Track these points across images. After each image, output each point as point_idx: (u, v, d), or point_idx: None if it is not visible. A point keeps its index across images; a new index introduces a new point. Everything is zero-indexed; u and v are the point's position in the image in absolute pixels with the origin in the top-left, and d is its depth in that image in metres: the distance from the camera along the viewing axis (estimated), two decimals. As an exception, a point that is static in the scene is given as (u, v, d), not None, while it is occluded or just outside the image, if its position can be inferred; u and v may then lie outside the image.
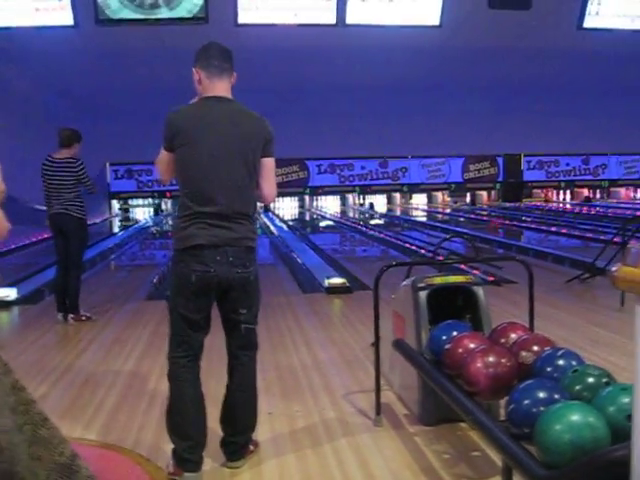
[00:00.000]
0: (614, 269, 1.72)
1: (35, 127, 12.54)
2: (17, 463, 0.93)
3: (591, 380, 2.57)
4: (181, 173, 3.24)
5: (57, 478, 1.04)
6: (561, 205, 24.23)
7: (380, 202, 24.84)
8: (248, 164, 3.22)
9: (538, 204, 23.83)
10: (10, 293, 7.88)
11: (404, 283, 4.20)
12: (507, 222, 17.52)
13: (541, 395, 2.50)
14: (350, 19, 10.43)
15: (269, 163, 3.33)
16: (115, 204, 23.09)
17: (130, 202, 23.73)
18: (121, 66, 14.60)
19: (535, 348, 3.00)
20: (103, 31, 10.55)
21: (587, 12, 13.02)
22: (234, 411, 3.40)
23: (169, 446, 3.29)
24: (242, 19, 9.99)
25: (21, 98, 14.38)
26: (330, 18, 10.29)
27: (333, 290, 7.98)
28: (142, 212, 23.52)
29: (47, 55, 12.49)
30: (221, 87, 3.26)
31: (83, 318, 6.83)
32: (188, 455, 3.19)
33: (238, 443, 3.40)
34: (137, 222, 21.31)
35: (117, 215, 22.95)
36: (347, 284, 8.15)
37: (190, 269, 3.15)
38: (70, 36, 10.76)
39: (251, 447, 3.47)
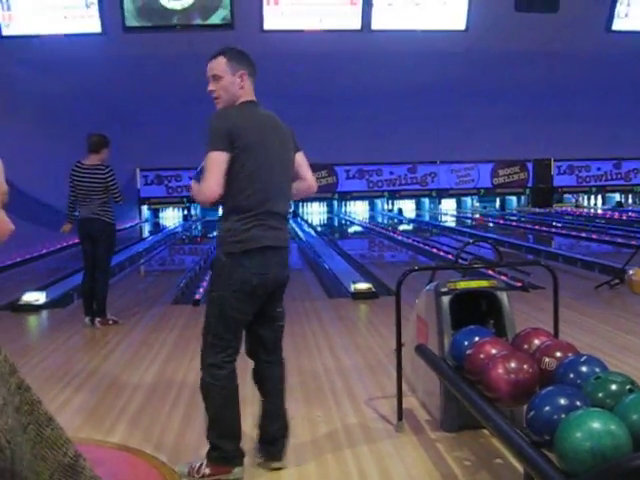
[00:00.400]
0: (631, 272, 1.68)
1: (65, 134, 12.71)
2: (19, 462, 0.94)
3: (614, 387, 2.53)
4: (240, 175, 3.14)
5: (61, 478, 1.04)
6: (592, 210, 23.93)
7: (409, 207, 24.74)
8: (290, 165, 3.36)
9: (568, 209, 23.56)
10: (39, 297, 7.99)
11: (427, 288, 4.17)
12: (537, 227, 17.35)
13: (562, 402, 2.47)
14: (375, 24, 10.41)
15: (302, 155, 3.47)
16: (145, 209, 23.27)
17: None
18: (149, 72, 14.74)
19: (558, 354, 2.96)
20: (131, 38, 10.65)
21: (616, 14, 12.85)
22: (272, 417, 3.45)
23: (192, 450, 3.30)
24: (268, 25, 10.02)
25: (51, 105, 14.60)
26: (355, 23, 10.28)
27: (359, 295, 7.96)
28: (171, 218, 23.67)
29: (76, 62, 12.65)
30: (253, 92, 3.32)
31: (110, 322, 6.87)
32: (237, 452, 3.27)
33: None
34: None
35: (147, 220, 23.12)
36: (373, 289, 8.12)
37: (251, 272, 3.15)
38: (99, 43, 10.89)
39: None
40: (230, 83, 3.21)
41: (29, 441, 1.01)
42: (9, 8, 10.04)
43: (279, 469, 3.41)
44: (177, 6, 9.99)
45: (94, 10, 10.05)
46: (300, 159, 3.43)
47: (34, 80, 13.63)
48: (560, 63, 15.29)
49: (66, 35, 10.36)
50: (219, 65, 3.22)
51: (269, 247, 3.19)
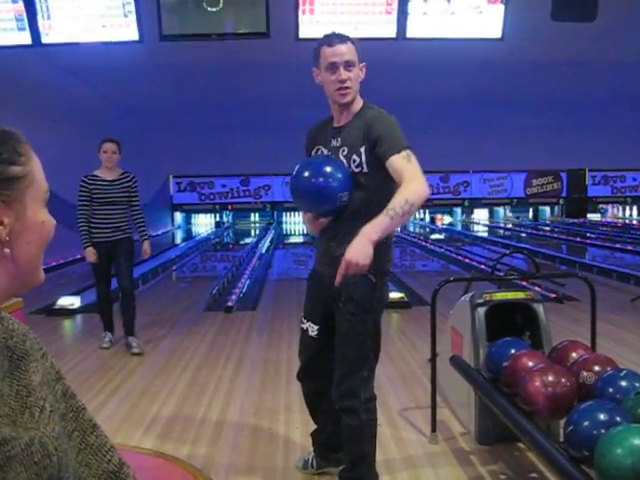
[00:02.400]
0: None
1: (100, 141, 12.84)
2: (65, 469, 0.94)
3: (655, 403, 2.48)
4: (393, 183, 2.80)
5: None
6: (627, 221, 23.59)
7: (441, 217, 24.60)
8: None
9: (603, 220, 23.26)
10: (74, 301, 8.09)
11: (462, 299, 4.14)
12: (570, 238, 17.15)
13: (602, 417, 2.43)
14: (411, 33, 10.38)
15: None
16: (178, 215, 23.44)
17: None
18: (185, 80, 14.87)
19: (596, 368, 2.91)
20: (167, 46, 10.75)
21: (655, 23, 12.69)
22: None
23: (224, 458, 3.28)
24: (303, 33, 10.06)
25: (86, 112, 14.80)
26: (390, 32, 10.26)
27: (391, 305, 7.90)
28: (204, 224, 23.82)
29: (113, 70, 12.81)
30: None
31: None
32: (377, 477, 3.14)
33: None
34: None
35: (180, 227, 23.28)
36: (405, 299, 8.08)
37: (388, 288, 3.11)
38: (135, 51, 11.01)
39: None
40: (358, 74, 2.93)
41: (74, 448, 1.02)
42: (49, 17, 10.21)
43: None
44: (213, 12, 10.08)
45: (132, 19, 10.17)
46: None
47: (72, 87, 13.84)
48: (596, 73, 15.11)
49: (104, 43, 10.51)
50: (352, 51, 2.90)
51: None
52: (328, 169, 2.89)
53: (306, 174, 2.92)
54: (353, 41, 2.94)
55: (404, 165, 2.73)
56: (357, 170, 2.90)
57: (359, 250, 2.55)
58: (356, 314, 2.94)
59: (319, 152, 3.07)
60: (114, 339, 6.34)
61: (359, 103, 2.99)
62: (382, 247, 2.80)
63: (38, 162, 1.04)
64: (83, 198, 6.04)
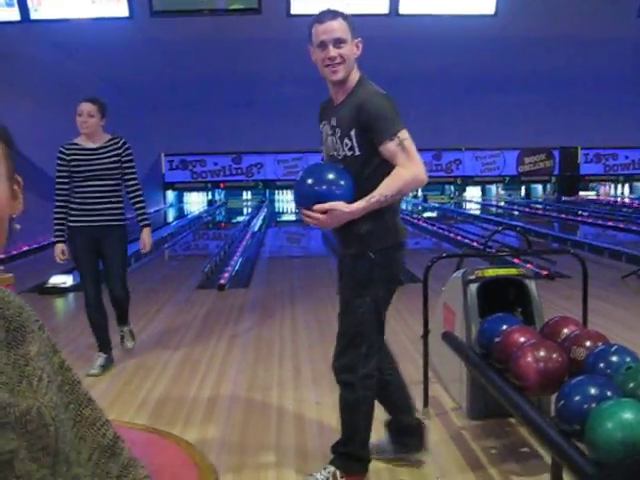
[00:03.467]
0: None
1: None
2: (62, 440, 0.94)
3: (646, 378, 2.50)
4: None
5: (100, 458, 1.04)
6: (619, 199, 23.66)
7: (434, 194, 24.59)
8: None
9: (595, 198, 23.32)
10: (66, 280, 8.08)
11: (454, 275, 4.15)
12: (562, 216, 17.19)
13: (592, 391, 2.44)
14: (403, 9, 10.32)
15: None
16: (170, 194, 23.36)
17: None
18: (176, 57, 14.77)
19: (587, 344, 2.92)
20: (157, 22, 10.66)
21: (648, 0, 12.64)
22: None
23: (217, 434, 3.30)
24: (295, 10, 9.99)
25: (77, 88, 14.65)
26: (383, 8, 10.21)
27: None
28: (196, 203, 23.75)
29: (103, 46, 12.71)
30: None
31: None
32: (369, 457, 3.14)
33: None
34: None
35: (172, 205, 23.21)
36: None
37: (398, 268, 3.04)
38: (126, 27, 10.92)
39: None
40: (350, 51, 2.89)
41: (70, 420, 1.02)
42: (38, -8, 10.14)
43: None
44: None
45: (122, -6, 10.12)
46: None
47: (61, 64, 13.70)
48: (589, 49, 15.08)
49: (94, 19, 10.41)
50: (343, 27, 2.87)
51: (404, 239, 3.08)
52: (331, 176, 2.90)
53: (310, 181, 2.91)
54: (346, 17, 2.90)
55: (396, 152, 2.76)
56: (350, 153, 2.90)
57: (334, 219, 2.80)
58: (353, 288, 2.97)
59: (325, 127, 3.07)
60: (109, 361, 4.99)
61: (354, 80, 2.95)
62: (379, 226, 2.88)
63: None
64: (61, 173, 4.79)
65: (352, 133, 2.87)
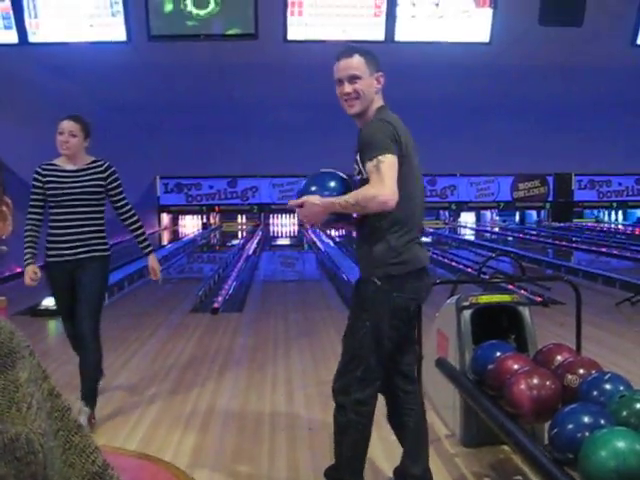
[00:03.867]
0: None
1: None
2: (50, 467, 0.94)
3: (639, 406, 2.49)
4: (404, 184, 2.86)
5: None
6: (612, 226, 23.73)
7: (429, 219, 24.64)
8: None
9: (589, 224, 23.39)
10: (59, 302, 8.03)
11: (448, 302, 4.15)
12: (557, 242, 17.22)
13: (586, 420, 2.44)
14: (399, 36, 10.39)
15: None
16: (165, 217, 23.36)
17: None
18: (173, 81, 14.84)
19: (581, 371, 2.93)
20: (155, 47, 10.72)
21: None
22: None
23: (208, 461, 3.27)
24: (291, 35, 10.05)
25: (75, 112, 14.70)
26: (379, 35, 10.27)
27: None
28: (191, 226, 23.75)
29: (101, 70, 12.77)
30: None
31: (93, 420, 4.30)
32: None
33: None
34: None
35: (166, 228, 23.20)
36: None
37: (409, 298, 2.95)
38: (123, 52, 10.98)
39: None
40: (368, 85, 2.98)
41: (59, 447, 1.01)
42: (36, 16, 10.16)
43: None
44: (201, 14, 10.06)
45: (120, 19, 10.12)
46: None
47: (59, 87, 13.76)
48: (583, 77, 15.20)
49: (91, 43, 10.47)
50: (358, 64, 2.97)
51: (425, 268, 3.01)
52: (332, 184, 3.03)
53: (313, 189, 3.02)
54: (364, 53, 3.01)
55: (371, 172, 2.81)
56: (358, 177, 2.99)
57: (307, 210, 2.94)
58: (356, 311, 3.04)
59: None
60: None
61: (373, 110, 3.02)
62: (383, 247, 2.91)
63: None
64: (35, 196, 4.30)
65: (357, 158, 2.97)
